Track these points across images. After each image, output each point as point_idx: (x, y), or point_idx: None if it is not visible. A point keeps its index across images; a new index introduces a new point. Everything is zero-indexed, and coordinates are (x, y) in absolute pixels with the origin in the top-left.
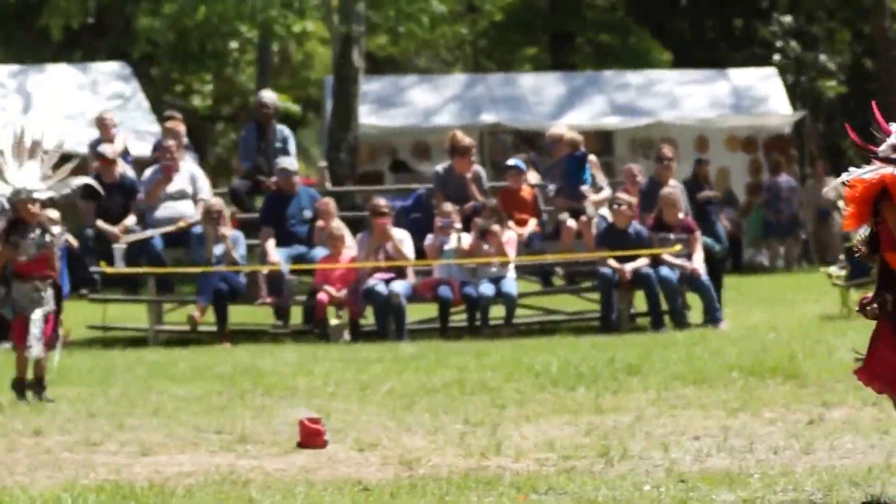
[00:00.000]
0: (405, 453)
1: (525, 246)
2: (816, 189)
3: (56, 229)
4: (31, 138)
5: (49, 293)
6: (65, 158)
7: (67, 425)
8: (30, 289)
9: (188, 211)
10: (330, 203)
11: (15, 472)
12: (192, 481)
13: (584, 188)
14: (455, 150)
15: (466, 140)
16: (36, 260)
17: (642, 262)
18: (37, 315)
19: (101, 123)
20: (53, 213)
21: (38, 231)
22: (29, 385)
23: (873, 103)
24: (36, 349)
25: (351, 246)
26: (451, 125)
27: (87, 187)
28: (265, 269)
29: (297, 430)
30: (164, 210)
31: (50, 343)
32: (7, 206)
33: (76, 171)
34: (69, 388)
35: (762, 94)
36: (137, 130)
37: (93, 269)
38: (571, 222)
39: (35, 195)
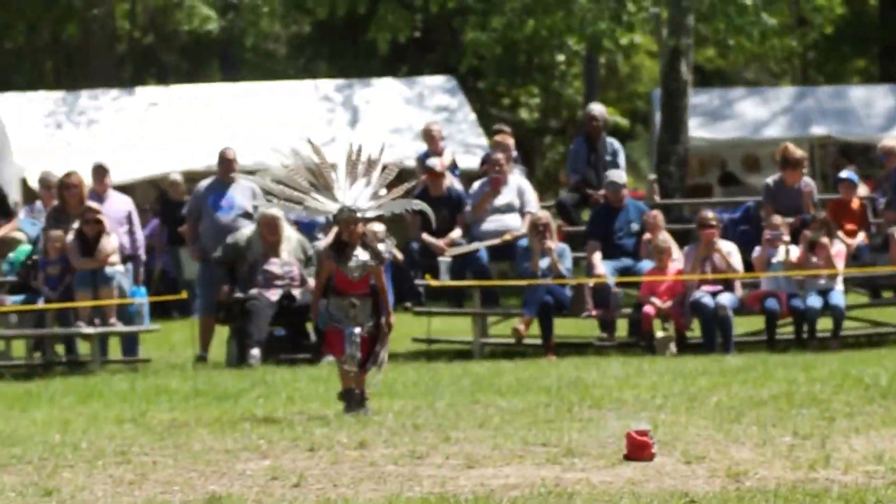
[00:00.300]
0: (733, 465)
1: (853, 258)
2: None
3: (381, 246)
4: (367, 156)
5: (367, 311)
6: (403, 175)
7: (393, 438)
8: (346, 305)
9: (515, 224)
10: (658, 216)
11: (339, 485)
12: (518, 494)
13: None
14: (786, 162)
15: (798, 152)
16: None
17: None
18: (353, 332)
19: (429, 136)
20: (379, 227)
21: (361, 251)
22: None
23: None
24: (350, 366)
25: (677, 258)
26: (781, 138)
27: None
28: (591, 282)
29: (623, 443)
30: (491, 223)
31: (367, 364)
32: (332, 222)
33: (408, 188)
34: (394, 400)
35: None
36: (464, 144)
37: (418, 282)
38: None
39: (359, 214)
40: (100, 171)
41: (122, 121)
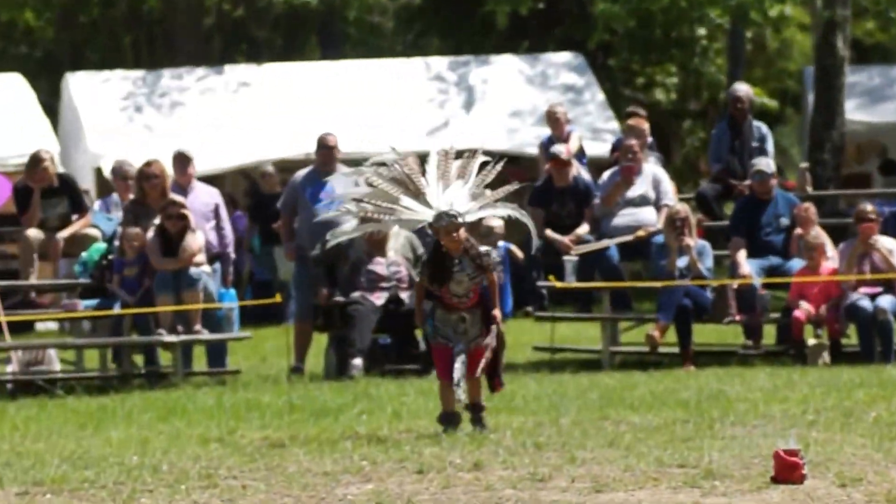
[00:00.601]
0: (893, 489)
1: None
2: None
3: (492, 253)
4: (463, 154)
5: (479, 324)
6: (513, 161)
7: (511, 458)
8: (455, 320)
9: (649, 218)
10: (810, 209)
11: None
12: None
13: None
14: None
15: None
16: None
17: None
18: (460, 349)
19: (553, 119)
20: (497, 223)
21: (467, 262)
22: (469, 409)
23: None
24: (460, 389)
25: (832, 257)
26: None
27: (535, 191)
28: (735, 283)
29: (771, 463)
30: (623, 217)
31: (494, 381)
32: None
33: (524, 179)
34: (514, 416)
35: None
36: (593, 128)
37: (540, 283)
38: None
39: (459, 220)
40: (183, 160)
41: (208, 103)
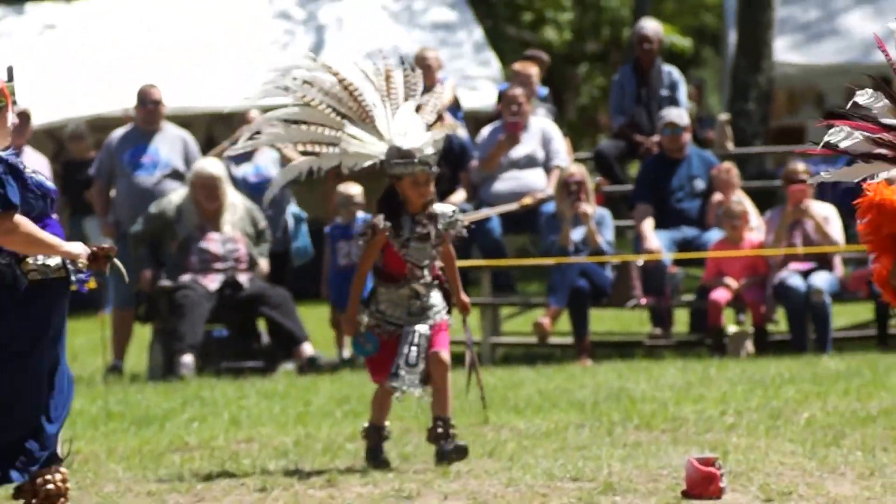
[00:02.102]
0: None
1: None
2: None
3: (446, 210)
4: (407, 68)
5: (437, 300)
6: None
7: (372, 472)
8: (407, 296)
9: (538, 182)
10: (731, 170)
11: None
12: None
13: None
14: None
15: None
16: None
17: None
18: (421, 331)
19: (423, 64)
20: (356, 190)
21: (425, 221)
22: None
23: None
24: (405, 380)
25: (757, 227)
26: None
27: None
28: (640, 260)
29: (683, 475)
30: (506, 182)
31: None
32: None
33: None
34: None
35: None
36: (469, 75)
37: None
38: None
39: (435, 168)
40: (22, 119)
41: (5, 49)
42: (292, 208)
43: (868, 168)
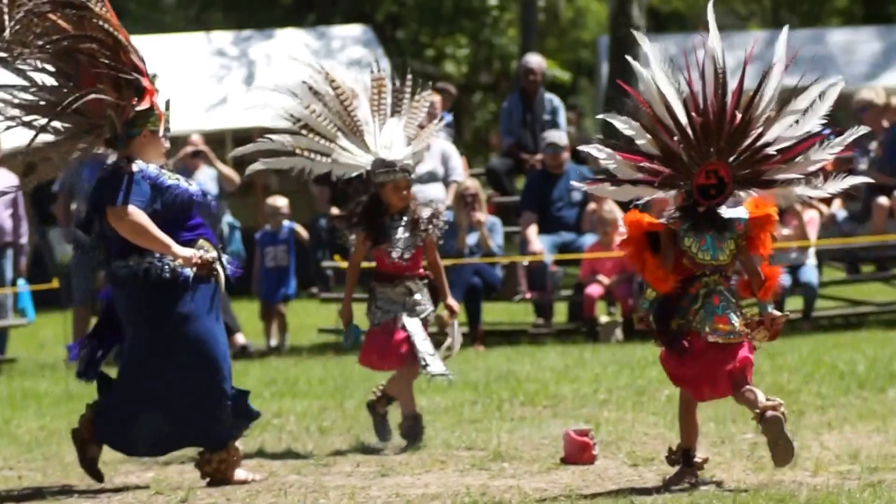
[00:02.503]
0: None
1: (828, 228)
2: None
3: (440, 216)
4: (395, 83)
5: (426, 294)
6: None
7: (295, 444)
8: (401, 293)
9: (438, 195)
10: None
11: (232, 499)
12: None
13: None
14: None
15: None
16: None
17: None
18: (413, 324)
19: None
20: (282, 202)
21: (404, 221)
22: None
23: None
24: (436, 367)
25: (625, 232)
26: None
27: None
28: (526, 260)
29: (561, 444)
30: None
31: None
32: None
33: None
34: (297, 400)
35: None
36: None
37: (325, 263)
38: (884, 200)
39: (413, 175)
40: None
41: None
42: (227, 218)
43: (633, 191)
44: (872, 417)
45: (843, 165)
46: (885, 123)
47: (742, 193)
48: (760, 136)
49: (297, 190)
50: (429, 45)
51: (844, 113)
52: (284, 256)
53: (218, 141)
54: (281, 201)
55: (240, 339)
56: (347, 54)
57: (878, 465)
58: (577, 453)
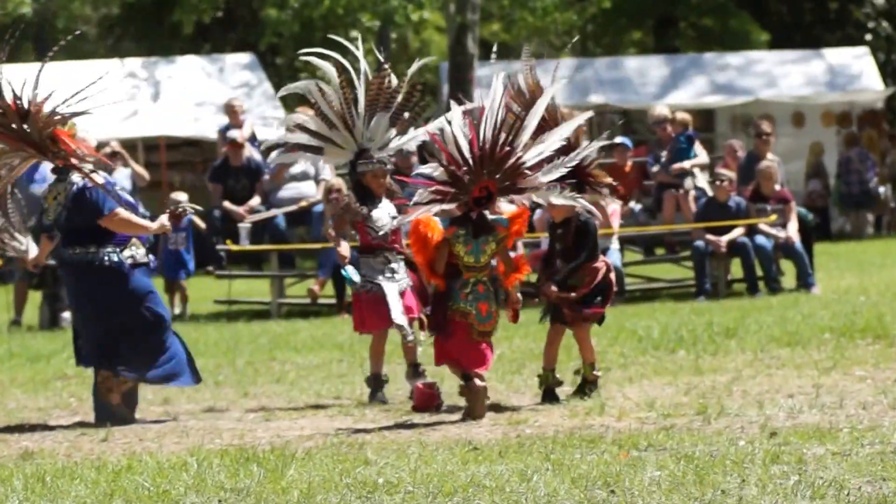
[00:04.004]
0: (514, 415)
1: (629, 218)
2: None
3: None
4: (389, 80)
5: (402, 268)
6: (195, 144)
7: (195, 395)
8: (381, 262)
9: (310, 191)
10: None
11: (144, 439)
12: (312, 444)
13: (685, 163)
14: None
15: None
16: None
17: (739, 232)
18: (391, 290)
19: (230, 110)
20: (182, 196)
21: (385, 203)
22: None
23: None
24: (398, 319)
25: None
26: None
27: (214, 169)
28: None
29: (412, 395)
30: (288, 190)
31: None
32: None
33: (205, 160)
34: (197, 359)
35: (855, 72)
36: (263, 117)
37: (219, 247)
38: (671, 193)
39: (389, 166)
40: None
41: None
42: (139, 209)
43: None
44: (665, 373)
45: (639, 169)
46: (672, 133)
47: (503, 200)
48: (519, 158)
49: (196, 186)
50: (303, 70)
51: (642, 125)
52: (184, 241)
53: (131, 146)
54: (181, 196)
55: None
56: (237, 77)
57: (670, 413)
58: (425, 402)
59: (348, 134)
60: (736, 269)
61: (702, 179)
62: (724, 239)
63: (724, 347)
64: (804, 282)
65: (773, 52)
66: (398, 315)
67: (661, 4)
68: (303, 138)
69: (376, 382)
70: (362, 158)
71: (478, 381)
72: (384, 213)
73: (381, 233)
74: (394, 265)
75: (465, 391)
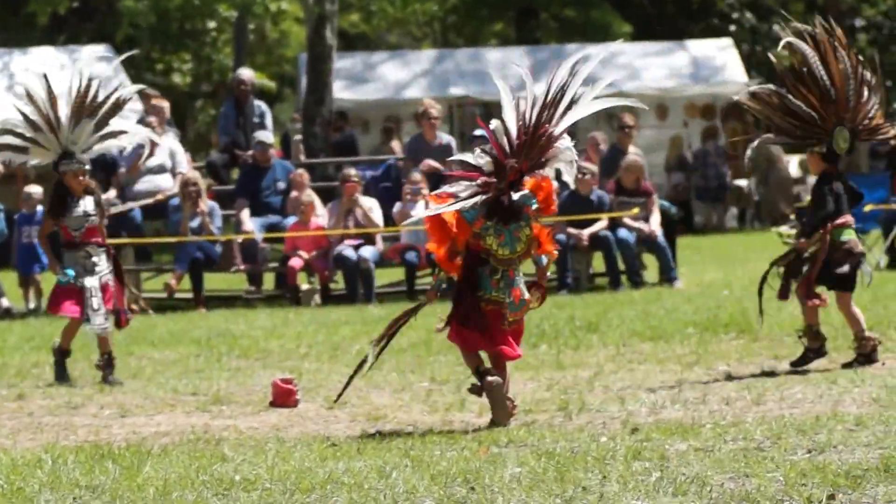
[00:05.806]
0: (373, 410)
1: None
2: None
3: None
4: (96, 93)
5: (103, 260)
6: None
7: (50, 390)
8: (82, 257)
9: (167, 184)
10: (303, 174)
11: None
12: (168, 441)
13: None
14: (424, 115)
15: (435, 109)
16: (86, 230)
17: (601, 226)
18: (91, 283)
19: None
20: (36, 189)
21: (87, 200)
22: (99, 364)
23: None
24: (97, 321)
25: (322, 214)
26: (421, 98)
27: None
28: (240, 238)
29: (269, 391)
30: (144, 183)
31: (118, 319)
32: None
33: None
34: (52, 355)
35: (719, 64)
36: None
37: None
38: None
39: (87, 166)
40: None
41: None
42: None
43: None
44: (527, 368)
45: None
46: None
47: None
48: (551, 133)
49: (51, 180)
50: (159, 61)
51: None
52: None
53: None
54: (35, 189)
55: (4, 302)
56: (94, 68)
57: (532, 408)
58: (283, 398)
59: (53, 136)
60: (598, 262)
61: (566, 173)
62: (587, 232)
63: (585, 342)
64: (667, 276)
65: (635, 44)
66: (94, 314)
67: None
68: (8, 138)
69: (61, 355)
70: (64, 159)
71: (491, 378)
72: (83, 210)
73: (78, 229)
74: (94, 259)
75: (480, 391)
